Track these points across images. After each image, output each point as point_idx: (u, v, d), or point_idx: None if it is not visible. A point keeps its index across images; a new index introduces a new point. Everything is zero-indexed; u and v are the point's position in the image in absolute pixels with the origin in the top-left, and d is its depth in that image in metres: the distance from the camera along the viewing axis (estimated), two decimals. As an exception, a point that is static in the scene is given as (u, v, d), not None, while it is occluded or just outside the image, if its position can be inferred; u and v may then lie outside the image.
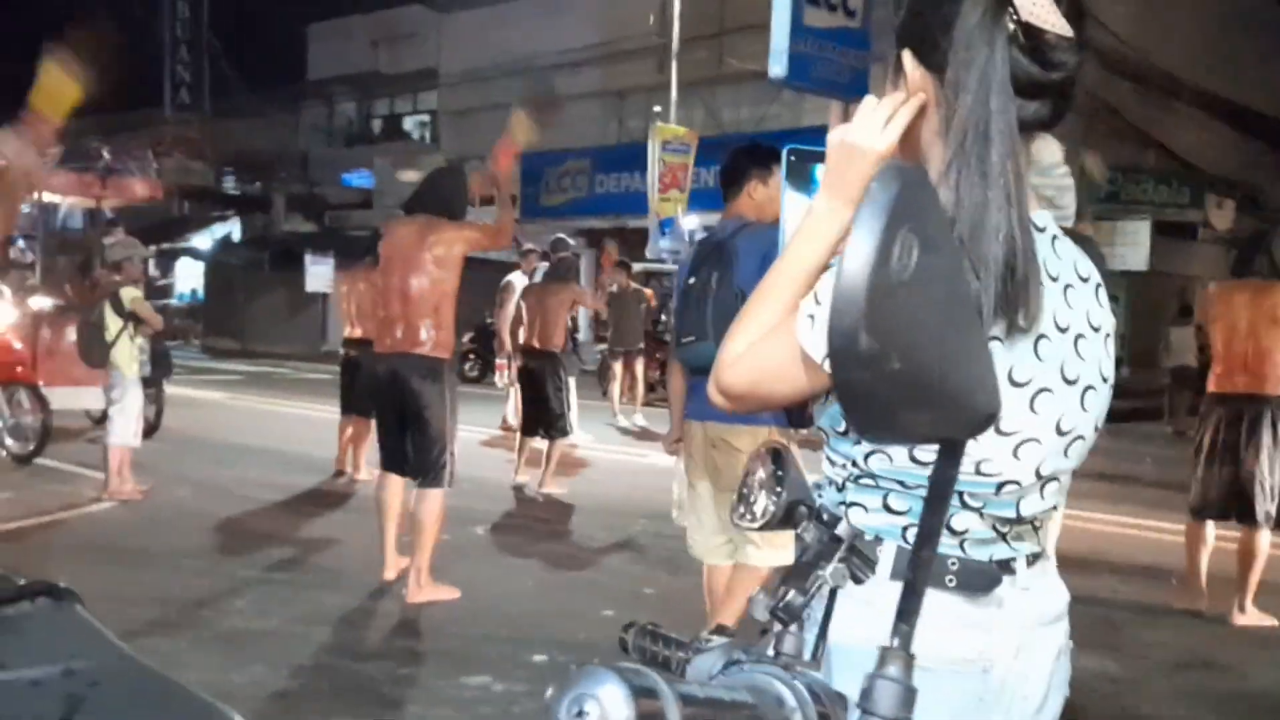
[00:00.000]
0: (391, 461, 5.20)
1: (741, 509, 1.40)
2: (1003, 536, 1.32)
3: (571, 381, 10.77)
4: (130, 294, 7.19)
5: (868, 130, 1.28)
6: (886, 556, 1.28)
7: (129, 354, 7.16)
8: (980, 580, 1.29)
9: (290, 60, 30.84)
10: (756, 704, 0.70)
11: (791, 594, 1.23)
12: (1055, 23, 1.21)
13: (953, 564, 1.28)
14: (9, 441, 8.46)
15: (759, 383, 1.32)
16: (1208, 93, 17.97)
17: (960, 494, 1.26)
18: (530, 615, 4.98)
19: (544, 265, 9.48)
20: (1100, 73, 16.76)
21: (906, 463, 1.25)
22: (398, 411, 5.10)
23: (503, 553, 6.20)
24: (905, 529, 1.29)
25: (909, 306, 0.75)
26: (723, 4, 18.61)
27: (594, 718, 0.56)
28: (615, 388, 12.75)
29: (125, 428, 7.14)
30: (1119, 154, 17.71)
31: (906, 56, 1.29)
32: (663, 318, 17.05)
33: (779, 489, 1.34)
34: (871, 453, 1.28)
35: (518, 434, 8.36)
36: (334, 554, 5.93)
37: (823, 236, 1.29)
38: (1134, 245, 17.51)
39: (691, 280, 3.72)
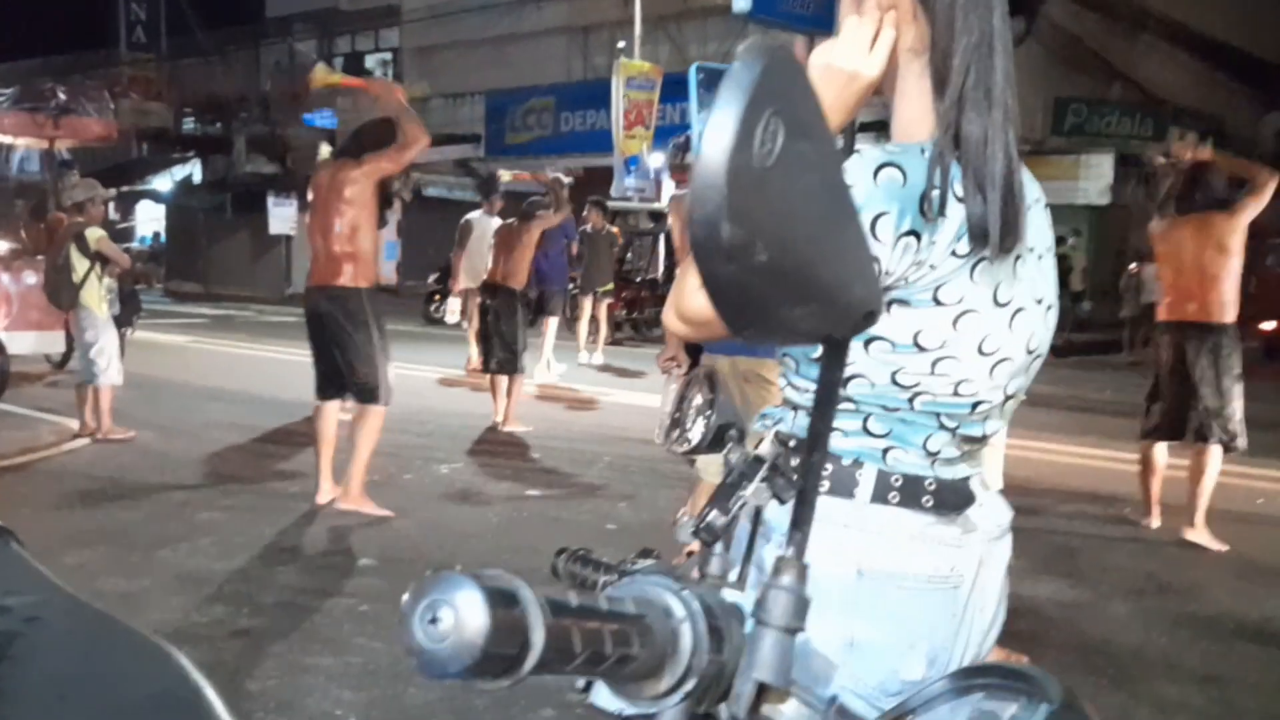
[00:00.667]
0: (323, 389, 5.58)
1: (676, 433, 1.41)
2: (966, 456, 1.33)
3: (552, 321, 10.82)
4: (95, 234, 7.14)
5: (854, 52, 1.26)
6: (867, 480, 1.29)
7: (98, 294, 7.14)
8: (955, 499, 1.31)
9: (248, -2, 30.21)
10: (643, 614, 0.69)
11: (714, 514, 1.24)
12: None
13: (929, 484, 1.29)
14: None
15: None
16: (1175, 24, 17.94)
17: (937, 415, 1.28)
18: (493, 552, 5.01)
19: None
20: (1068, 4, 16.68)
21: (889, 386, 1.26)
22: (325, 341, 5.49)
23: (466, 490, 6.20)
24: (885, 451, 1.30)
25: (775, 195, 0.70)
26: (688, -64, 18.34)
27: (447, 624, 0.55)
28: (583, 326, 12.73)
29: (109, 367, 7.13)
30: (1083, 86, 17.69)
31: None
32: (628, 257, 16.99)
33: (709, 412, 1.35)
34: (851, 378, 1.28)
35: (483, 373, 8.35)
36: (302, 493, 5.92)
37: None
38: (1097, 178, 17.56)
39: None
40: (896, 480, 1.28)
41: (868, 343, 1.26)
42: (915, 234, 1.18)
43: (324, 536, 5.18)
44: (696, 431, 1.39)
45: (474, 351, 9.69)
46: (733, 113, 0.66)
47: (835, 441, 1.30)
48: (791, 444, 1.30)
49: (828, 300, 0.73)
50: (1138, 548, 5.41)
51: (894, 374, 1.26)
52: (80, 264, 7.07)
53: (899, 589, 1.28)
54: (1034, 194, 1.33)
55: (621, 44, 17.36)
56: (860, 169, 1.19)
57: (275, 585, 4.46)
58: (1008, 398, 1.31)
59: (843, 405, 1.30)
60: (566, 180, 8.62)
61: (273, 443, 7.41)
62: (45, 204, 11.62)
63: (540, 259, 9.17)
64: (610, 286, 13.66)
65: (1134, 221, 16.94)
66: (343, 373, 5.47)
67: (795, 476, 1.27)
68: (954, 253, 1.21)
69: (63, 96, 16.23)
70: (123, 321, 7.86)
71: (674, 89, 17.15)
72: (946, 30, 1.24)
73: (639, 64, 16.54)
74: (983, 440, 1.34)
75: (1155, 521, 5.63)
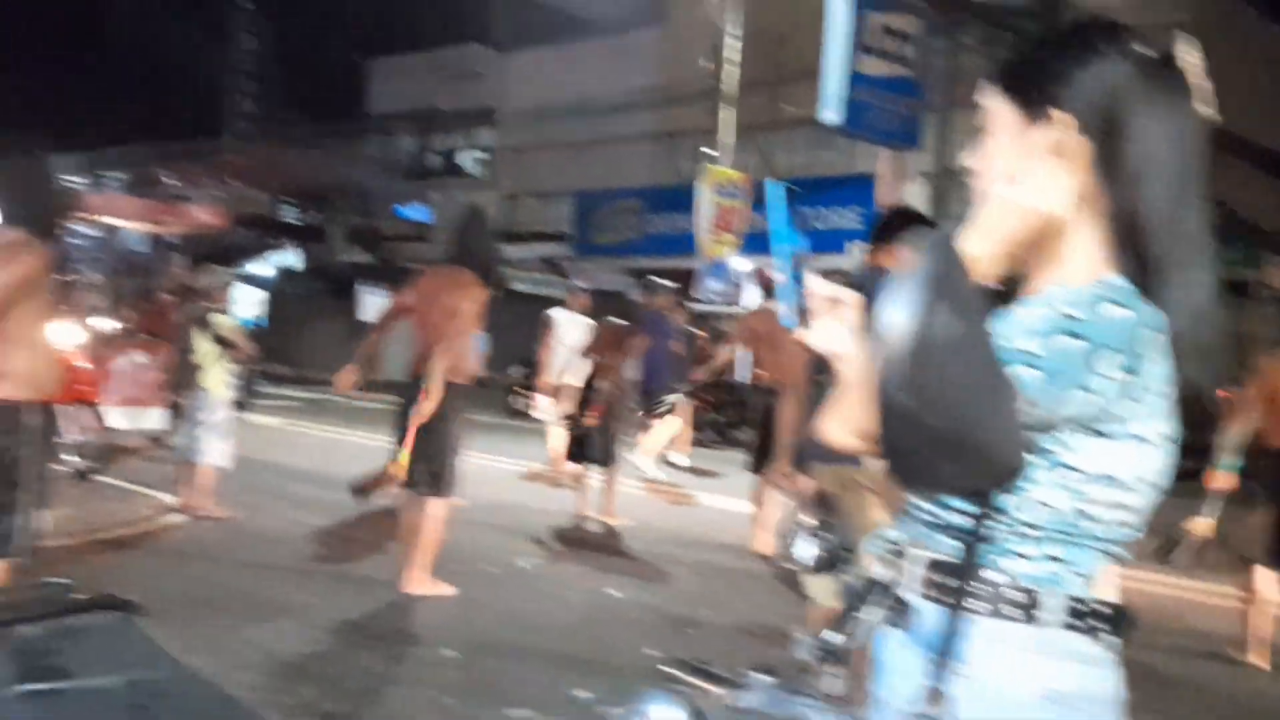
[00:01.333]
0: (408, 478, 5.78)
1: (792, 551, 1.47)
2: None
3: (659, 420, 10.97)
4: (223, 320, 7.53)
5: (1047, 193, 1.32)
6: (1048, 604, 1.31)
7: (219, 377, 7.46)
8: (1121, 622, 1.35)
9: (350, 94, 31.48)
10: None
11: (834, 635, 1.30)
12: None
13: (1097, 607, 1.33)
14: (68, 458, 8.65)
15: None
16: (1266, 149, 17.81)
17: (1104, 541, 1.33)
18: (572, 649, 5.03)
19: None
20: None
21: (1072, 514, 1.30)
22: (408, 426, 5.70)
23: (545, 585, 6.24)
24: (1064, 577, 1.33)
25: (944, 369, 0.82)
26: (779, 50, 18.75)
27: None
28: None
29: (218, 448, 7.38)
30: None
31: (1066, 117, 1.33)
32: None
33: (827, 535, 1.42)
34: (1039, 505, 1.31)
35: (568, 466, 8.50)
36: (385, 578, 6.01)
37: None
38: (1188, 301, 17.31)
39: None
40: (1074, 604, 1.31)
41: (1057, 466, 1.29)
42: (1131, 370, 1.24)
43: (407, 622, 5.25)
44: (811, 553, 1.45)
45: (557, 444, 9.81)
46: (915, 299, 0.76)
47: (1017, 566, 1.32)
48: (953, 568, 1.34)
49: (980, 459, 0.84)
50: (1236, 684, 5.25)
51: (1078, 503, 1.30)
52: (203, 347, 7.41)
53: (1086, 712, 1.32)
54: None
55: (708, 151, 17.74)
56: (1093, 307, 1.24)
57: (359, 669, 4.53)
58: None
59: (1026, 531, 1.31)
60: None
61: (358, 526, 7.53)
62: (153, 284, 12.10)
63: (649, 358, 9.54)
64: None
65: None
66: (415, 460, 5.68)
67: (927, 596, 1.32)
68: (1151, 390, 1.27)
69: (174, 184, 17.01)
70: (240, 405, 8.16)
71: (760, 197, 17.45)
72: (1135, 195, 1.32)
73: (727, 171, 16.88)
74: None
75: (1259, 660, 5.41)
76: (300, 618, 5.17)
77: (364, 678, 4.44)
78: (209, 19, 29.66)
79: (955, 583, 1.31)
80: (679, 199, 18.99)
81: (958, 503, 1.34)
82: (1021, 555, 1.31)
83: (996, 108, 1.39)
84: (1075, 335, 1.20)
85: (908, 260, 0.84)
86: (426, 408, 5.59)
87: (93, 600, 1.72)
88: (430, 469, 5.66)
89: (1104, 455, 1.28)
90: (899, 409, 0.82)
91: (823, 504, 1.44)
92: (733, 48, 17.22)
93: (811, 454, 4.01)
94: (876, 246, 4.11)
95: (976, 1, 14.33)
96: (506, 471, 10.62)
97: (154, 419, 8.92)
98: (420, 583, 5.71)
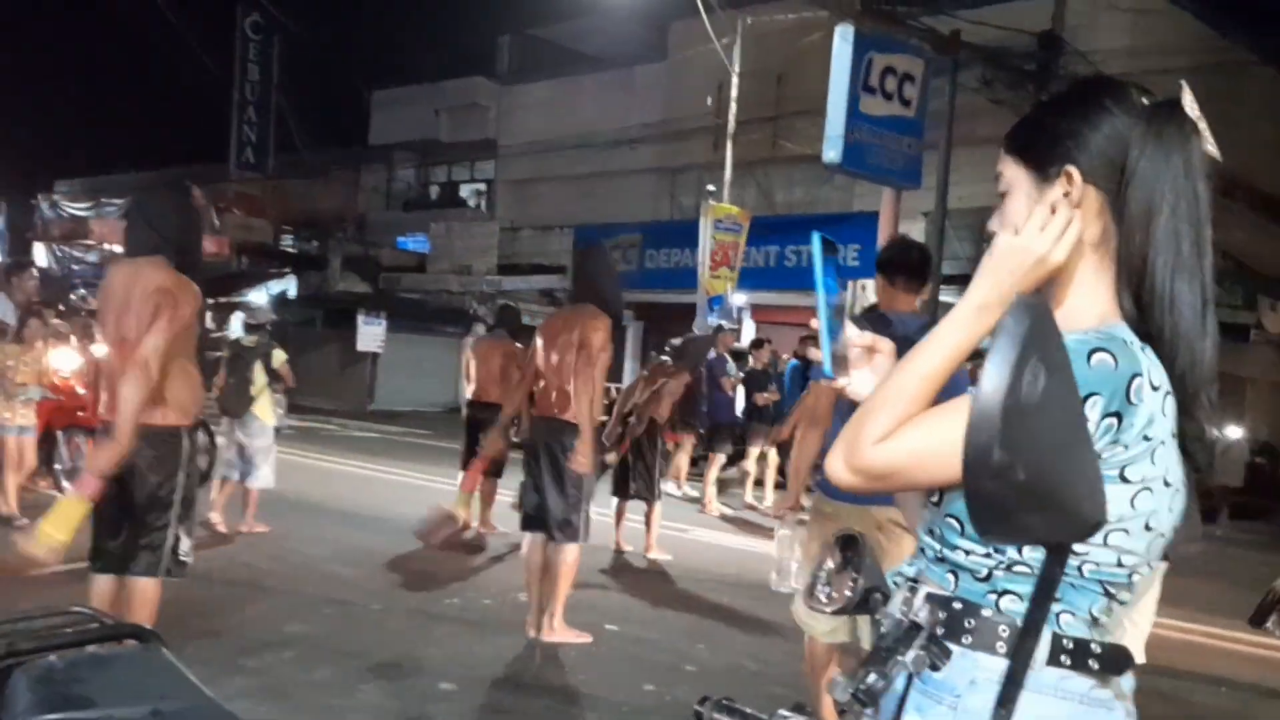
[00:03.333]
0: (528, 521, 5.71)
1: (817, 593, 1.46)
2: (1118, 623, 1.39)
3: (718, 457, 11.02)
4: (280, 356, 8.12)
5: (1046, 240, 1.36)
6: (1043, 642, 1.33)
7: (269, 406, 8.01)
8: (1118, 663, 1.36)
9: (353, 124, 31.71)
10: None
11: (872, 678, 1.30)
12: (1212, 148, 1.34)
13: (1095, 648, 1.34)
14: (66, 485, 8.62)
15: (907, 465, 1.33)
16: (1264, 193, 17.95)
17: (1102, 582, 1.33)
18: (569, 685, 5.01)
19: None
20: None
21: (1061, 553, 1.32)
22: (538, 469, 5.62)
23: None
24: (1058, 615, 1.34)
25: (1035, 425, 0.87)
26: (780, 88, 18.94)
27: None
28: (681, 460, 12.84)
29: (264, 472, 7.96)
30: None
31: (1072, 171, 1.39)
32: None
33: (856, 575, 1.41)
34: (1028, 544, 1.33)
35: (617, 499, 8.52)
36: (383, 609, 5.97)
37: (976, 329, 1.35)
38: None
39: None
40: (1068, 643, 1.33)
41: None
42: (1118, 415, 1.25)
43: (412, 656, 5.21)
44: (837, 592, 1.45)
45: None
46: (1008, 360, 0.81)
47: (1011, 604, 1.34)
48: (957, 607, 1.35)
49: (1065, 511, 0.89)
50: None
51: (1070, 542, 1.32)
52: (260, 378, 7.93)
53: None
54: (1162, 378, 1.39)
55: (711, 187, 17.84)
56: (1080, 354, 1.25)
57: (361, 704, 4.50)
58: (1153, 569, 1.39)
59: (1019, 569, 1.33)
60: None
61: (352, 552, 7.50)
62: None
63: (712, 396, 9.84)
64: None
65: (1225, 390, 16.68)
66: (546, 505, 5.56)
67: (966, 642, 1.33)
68: (1145, 436, 1.28)
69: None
70: (278, 432, 8.51)
71: (759, 232, 17.53)
72: (1143, 238, 1.35)
73: (727, 207, 16.98)
74: (1126, 607, 1.39)
75: None
76: (296, 648, 5.14)
77: (364, 713, 4.41)
78: (215, 48, 29.85)
79: (947, 616, 1.34)
80: (679, 233, 19.10)
81: (963, 541, 1.36)
82: (1013, 592, 1.33)
83: (1011, 172, 1.44)
84: None
85: (1002, 322, 0.88)
86: (580, 458, 5.44)
87: (116, 628, 1.71)
88: (565, 513, 5.52)
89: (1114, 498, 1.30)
90: (990, 463, 0.87)
91: (853, 545, 1.43)
92: (734, 84, 17.35)
93: (835, 493, 3.93)
94: (884, 282, 4.12)
95: (977, 43, 14.49)
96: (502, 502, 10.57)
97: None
98: (558, 631, 5.63)
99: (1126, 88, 1.41)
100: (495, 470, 8.50)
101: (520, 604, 6.20)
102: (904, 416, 1.32)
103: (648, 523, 8.24)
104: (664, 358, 8.78)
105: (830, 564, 1.48)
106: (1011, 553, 1.33)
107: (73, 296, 18.45)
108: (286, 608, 5.91)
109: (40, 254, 28.20)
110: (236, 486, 7.94)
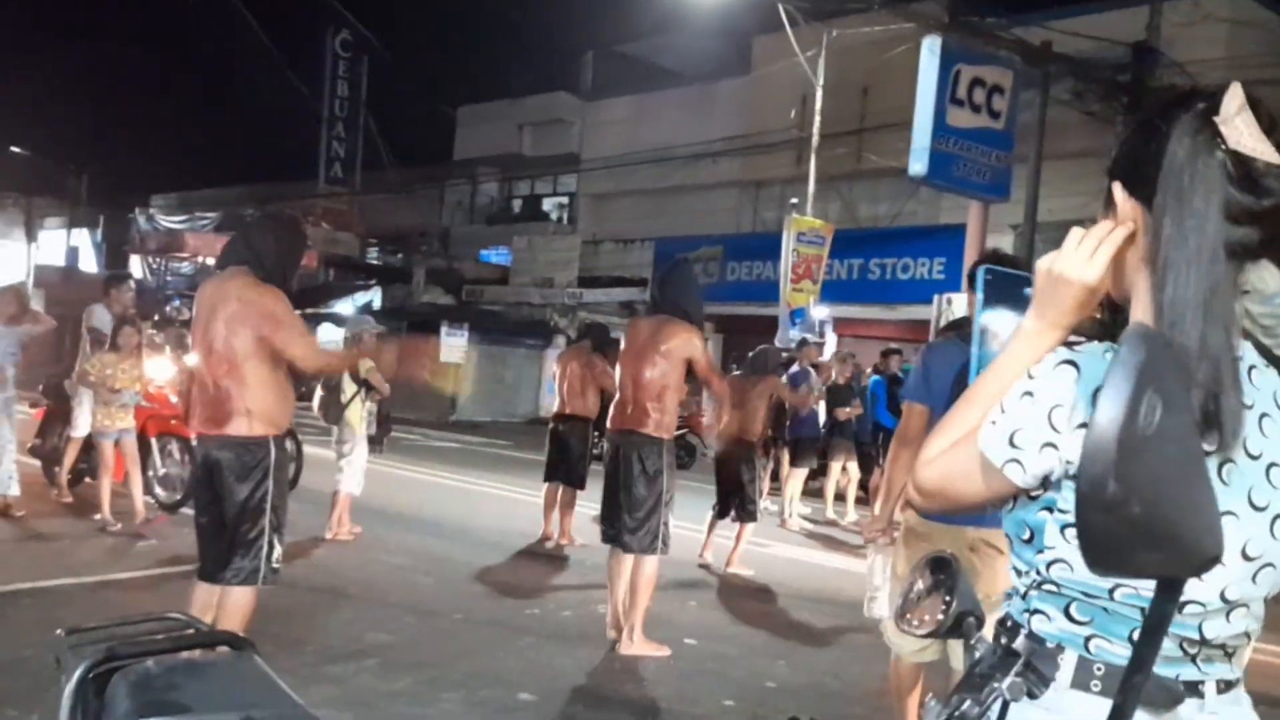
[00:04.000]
0: (606, 534, 5.77)
1: (909, 615, 1.43)
2: (1191, 658, 1.32)
3: (799, 471, 10.97)
4: (367, 365, 8.13)
5: (1075, 261, 1.34)
6: (1067, 665, 1.30)
7: (359, 415, 8.22)
8: (1162, 697, 1.28)
9: (438, 140, 32.22)
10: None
11: (967, 704, 1.26)
12: (1264, 150, 1.25)
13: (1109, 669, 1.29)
14: (158, 490, 8.85)
15: (948, 484, 1.39)
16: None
17: (1141, 609, 1.26)
18: (648, 700, 4.98)
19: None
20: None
21: (1087, 574, 1.25)
22: (617, 482, 5.65)
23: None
24: (1088, 639, 1.30)
25: (1151, 459, 0.86)
26: (864, 101, 18.79)
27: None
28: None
29: (353, 478, 8.18)
30: (1272, 266, 17.11)
31: (1116, 188, 1.36)
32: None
33: (949, 598, 1.38)
34: (1053, 561, 1.31)
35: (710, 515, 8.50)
36: (466, 618, 6.01)
37: (1026, 355, 1.35)
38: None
39: None
40: (1099, 669, 1.29)
41: (1064, 528, 1.29)
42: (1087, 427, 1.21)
43: (478, 664, 5.23)
44: (928, 615, 1.41)
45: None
46: (1123, 392, 0.84)
47: (1039, 624, 1.33)
48: (1009, 624, 1.35)
49: (1179, 547, 0.89)
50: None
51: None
52: (349, 388, 8.11)
53: None
54: (1266, 401, 1.33)
55: (794, 200, 17.76)
56: (1046, 363, 1.29)
57: (441, 714, 4.52)
58: (1229, 603, 1.29)
59: (1046, 587, 1.33)
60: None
61: (433, 562, 7.57)
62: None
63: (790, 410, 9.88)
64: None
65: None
66: (623, 516, 5.58)
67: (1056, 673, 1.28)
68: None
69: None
70: (376, 441, 8.69)
71: (842, 245, 17.40)
72: (1155, 242, 1.29)
73: (810, 220, 16.88)
74: (1207, 644, 1.31)
75: None
76: (378, 657, 5.19)
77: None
78: (305, 67, 30.56)
79: (1006, 640, 1.34)
80: (760, 246, 19.04)
81: (1022, 561, 1.36)
82: (1043, 613, 1.32)
83: (1119, 198, 1.38)
84: (1029, 394, 1.28)
85: (1119, 353, 0.90)
86: (638, 483, 5.52)
87: (211, 635, 1.74)
88: (646, 525, 5.55)
89: None
90: (1105, 497, 0.85)
91: (946, 567, 1.41)
92: (818, 98, 17.26)
93: (929, 513, 3.87)
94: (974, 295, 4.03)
95: (1069, 54, 14.21)
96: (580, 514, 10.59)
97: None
98: (637, 644, 5.61)
99: (1179, 94, 1.34)
100: (577, 481, 8.53)
101: (598, 616, 6.21)
102: (953, 440, 1.38)
103: (737, 538, 8.18)
104: (736, 372, 8.72)
105: (921, 585, 1.45)
106: (1044, 570, 1.31)
107: (168, 308, 19.05)
108: (369, 616, 5.97)
109: (136, 266, 29.11)
110: (347, 496, 8.22)
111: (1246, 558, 1.27)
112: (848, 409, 11.55)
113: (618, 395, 5.74)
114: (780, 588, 7.80)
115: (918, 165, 12.63)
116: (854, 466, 11.68)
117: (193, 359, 4.41)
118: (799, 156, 18.71)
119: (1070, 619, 1.31)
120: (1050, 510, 1.31)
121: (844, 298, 17.53)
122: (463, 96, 31.49)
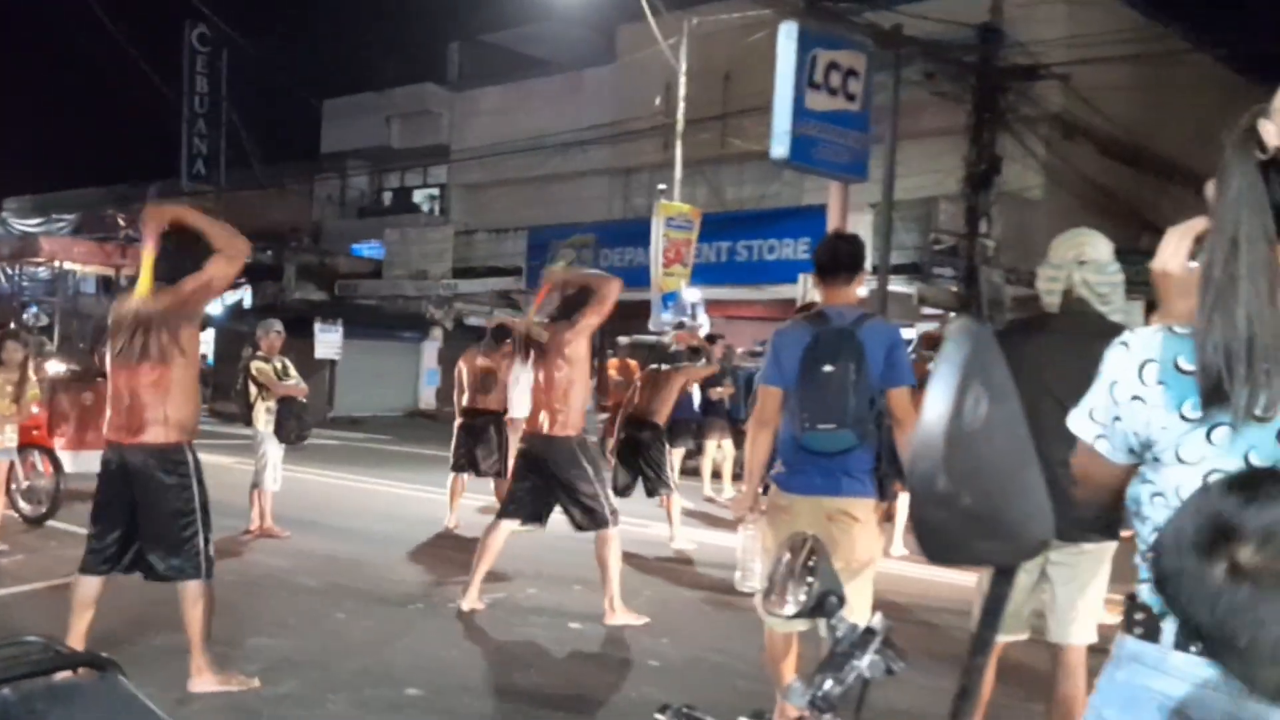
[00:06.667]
0: (506, 510, 6.34)
1: (773, 596, 1.46)
2: None
3: (676, 451, 11.12)
4: (256, 365, 8.60)
5: (1162, 255, 1.56)
6: (1169, 628, 1.44)
7: (262, 414, 8.56)
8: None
9: (304, 134, 31.48)
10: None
11: (829, 683, 1.31)
12: None
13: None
14: (22, 504, 8.59)
15: (1082, 471, 1.59)
16: (1203, 176, 18.33)
17: None
18: (533, 684, 5.10)
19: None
20: (1099, 159, 17.15)
21: None
22: (539, 480, 6.17)
23: (506, 618, 6.23)
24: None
25: (978, 451, 0.87)
26: (726, 87, 19.08)
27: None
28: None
29: (269, 476, 8.54)
30: (1115, 236, 17.98)
31: (1208, 187, 1.49)
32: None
33: (810, 579, 1.41)
34: (1153, 530, 1.44)
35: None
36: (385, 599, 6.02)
37: None
38: (1129, 326, 17.75)
39: (829, 368, 3.78)
40: (1189, 628, 1.37)
41: (1153, 495, 1.45)
42: (1139, 399, 1.42)
43: (375, 662, 5.26)
44: (792, 595, 1.43)
45: None
46: (948, 386, 0.86)
47: (1146, 592, 1.46)
48: None
49: (1013, 535, 0.93)
50: None
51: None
52: (253, 388, 8.56)
53: None
54: None
55: (662, 186, 17.95)
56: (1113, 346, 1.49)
57: (330, 715, 4.56)
58: None
59: (1150, 555, 1.42)
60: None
61: (314, 561, 7.53)
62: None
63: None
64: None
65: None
66: (564, 503, 6.14)
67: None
68: (1183, 416, 1.39)
69: (125, 226, 16.94)
70: (283, 438, 8.66)
71: (710, 229, 17.67)
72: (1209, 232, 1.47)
73: (678, 205, 17.10)
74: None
75: None
76: (264, 660, 5.17)
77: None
78: (163, 62, 29.53)
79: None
80: (631, 232, 19.18)
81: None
82: (1148, 581, 1.43)
83: (1209, 198, 1.51)
84: (1100, 375, 1.48)
85: (943, 348, 0.93)
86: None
87: (73, 657, 1.68)
88: (586, 506, 6.04)
89: (1168, 478, 1.42)
90: (935, 492, 0.86)
91: (810, 548, 1.47)
92: (682, 84, 17.48)
93: (789, 486, 3.94)
94: (820, 280, 4.18)
95: (919, 37, 14.71)
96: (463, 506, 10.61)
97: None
98: (619, 613, 6.10)
99: (1258, 113, 1.43)
100: (497, 472, 9.00)
101: (487, 604, 6.30)
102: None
103: (669, 514, 8.63)
104: (661, 366, 9.10)
105: (784, 567, 1.47)
106: (1146, 537, 1.43)
107: (25, 315, 18.26)
108: (249, 622, 5.82)
109: (-11, 273, 27.74)
110: (268, 494, 8.58)
111: None
112: (719, 389, 11.82)
113: (532, 402, 6.27)
114: (660, 567, 7.96)
115: (779, 149, 12.91)
116: (729, 444, 11.95)
117: (106, 371, 4.68)
118: (665, 143, 18.91)
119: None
120: (1143, 481, 1.47)
121: (714, 280, 17.80)
122: (329, 90, 30.82)
